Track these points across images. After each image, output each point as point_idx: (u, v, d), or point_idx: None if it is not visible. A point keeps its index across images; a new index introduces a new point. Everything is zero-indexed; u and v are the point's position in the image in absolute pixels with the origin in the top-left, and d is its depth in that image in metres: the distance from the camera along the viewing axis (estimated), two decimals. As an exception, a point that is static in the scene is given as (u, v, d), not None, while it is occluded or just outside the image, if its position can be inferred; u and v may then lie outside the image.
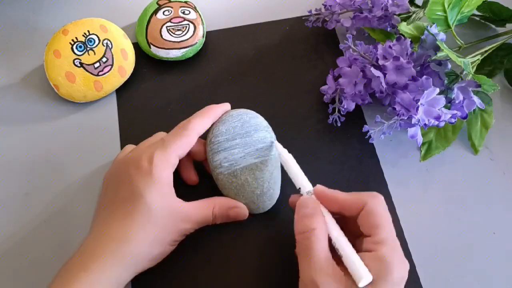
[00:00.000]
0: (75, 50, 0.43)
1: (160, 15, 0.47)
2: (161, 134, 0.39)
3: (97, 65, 0.44)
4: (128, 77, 0.45)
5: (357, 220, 0.32)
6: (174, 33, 0.46)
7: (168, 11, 0.47)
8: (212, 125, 0.39)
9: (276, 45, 0.49)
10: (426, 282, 0.38)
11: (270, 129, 0.40)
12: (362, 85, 0.42)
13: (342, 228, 0.33)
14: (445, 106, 0.39)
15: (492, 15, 0.49)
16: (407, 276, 0.31)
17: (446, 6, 0.41)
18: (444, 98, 0.39)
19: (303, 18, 0.50)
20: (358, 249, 0.31)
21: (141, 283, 0.37)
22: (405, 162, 0.44)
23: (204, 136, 0.39)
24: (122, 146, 0.43)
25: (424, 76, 0.40)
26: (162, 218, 0.34)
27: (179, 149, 0.36)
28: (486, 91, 0.42)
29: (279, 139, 0.41)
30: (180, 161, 0.37)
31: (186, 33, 0.46)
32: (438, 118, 0.38)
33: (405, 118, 0.38)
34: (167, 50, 0.45)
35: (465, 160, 0.44)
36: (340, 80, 0.43)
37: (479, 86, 0.40)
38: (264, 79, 0.47)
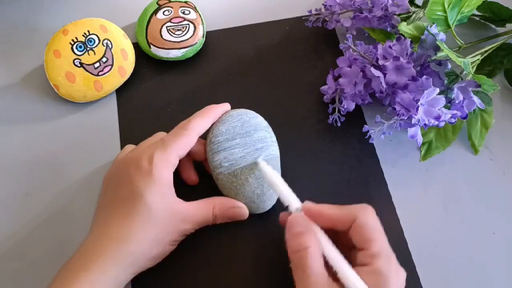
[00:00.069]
0: (75, 50, 0.43)
1: (160, 15, 0.47)
2: (161, 134, 0.39)
3: (97, 65, 0.44)
4: (128, 77, 0.45)
5: (349, 234, 0.32)
6: (174, 33, 0.46)
7: (168, 11, 0.47)
8: (212, 125, 0.39)
9: (276, 45, 0.49)
10: (426, 282, 0.38)
11: (270, 129, 0.40)
12: (362, 85, 0.42)
13: (335, 241, 0.32)
14: (445, 106, 0.39)
15: (492, 15, 0.49)
16: (404, 284, 0.31)
17: (446, 6, 0.41)
18: (444, 98, 0.39)
19: (303, 18, 0.50)
20: (353, 262, 0.31)
21: (141, 283, 0.37)
22: (405, 162, 0.44)
23: (204, 136, 0.39)
24: (122, 146, 0.43)
25: (424, 76, 0.40)
26: (162, 218, 0.34)
27: (179, 149, 0.36)
28: (486, 91, 0.42)
29: (279, 139, 0.41)
30: (180, 161, 0.37)
31: (186, 33, 0.46)
32: (438, 118, 0.38)
33: (405, 118, 0.38)
34: (167, 50, 0.45)
35: (465, 160, 0.44)
36: (340, 80, 0.43)
37: (479, 86, 0.40)
38: (264, 79, 0.47)
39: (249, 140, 0.38)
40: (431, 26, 0.41)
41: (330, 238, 0.32)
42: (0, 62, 0.46)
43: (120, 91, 0.46)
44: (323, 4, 0.49)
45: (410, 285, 0.38)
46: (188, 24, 0.47)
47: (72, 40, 0.43)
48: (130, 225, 0.33)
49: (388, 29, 0.46)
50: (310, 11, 0.49)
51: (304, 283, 0.30)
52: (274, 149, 0.39)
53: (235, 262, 0.39)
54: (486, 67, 0.47)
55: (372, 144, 0.44)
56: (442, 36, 0.41)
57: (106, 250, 0.32)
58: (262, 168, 0.37)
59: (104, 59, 0.44)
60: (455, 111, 0.40)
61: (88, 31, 0.44)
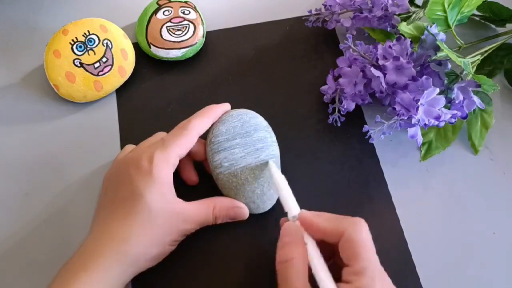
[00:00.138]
0: (75, 50, 0.43)
1: (160, 15, 0.47)
2: (161, 134, 0.39)
3: (97, 65, 0.44)
4: (128, 77, 0.45)
5: (339, 248, 0.31)
6: (174, 33, 0.46)
7: (168, 11, 0.47)
8: (212, 125, 0.39)
9: (276, 45, 0.49)
10: (426, 282, 0.38)
11: (270, 129, 0.40)
12: (362, 85, 0.42)
13: (333, 256, 0.32)
14: (445, 106, 0.39)
15: (492, 15, 0.49)
16: None
17: (446, 6, 0.41)
18: (444, 98, 0.39)
19: (303, 18, 0.50)
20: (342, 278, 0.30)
21: (141, 283, 0.37)
22: (405, 162, 0.44)
23: (204, 136, 0.39)
24: (122, 146, 0.43)
25: (424, 76, 0.40)
26: (162, 218, 0.34)
27: (179, 149, 0.36)
28: (486, 91, 0.42)
29: (279, 139, 0.41)
30: (180, 161, 0.37)
31: (186, 33, 0.46)
32: (438, 118, 0.38)
33: (405, 118, 0.38)
34: (167, 50, 0.45)
35: (465, 160, 0.44)
36: (340, 80, 0.43)
37: (479, 86, 0.40)
38: (264, 79, 0.47)
39: (249, 140, 0.38)
40: (431, 26, 0.41)
41: (331, 249, 0.31)
42: (0, 62, 0.46)
43: (120, 91, 0.46)
44: (323, 4, 0.49)
45: (410, 285, 0.38)
46: (188, 24, 0.47)
47: (72, 40, 0.43)
48: (130, 225, 0.33)
49: (388, 29, 0.46)
50: (310, 11, 0.49)
51: None
52: (274, 149, 0.39)
53: (235, 262, 0.39)
54: (486, 67, 0.47)
55: (372, 144, 0.44)
56: (442, 36, 0.41)
57: (106, 250, 0.32)
58: (271, 170, 0.37)
59: (104, 59, 0.44)
60: (455, 111, 0.40)
61: (88, 31, 0.44)
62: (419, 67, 0.42)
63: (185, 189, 0.39)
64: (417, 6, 0.47)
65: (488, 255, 0.40)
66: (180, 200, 0.35)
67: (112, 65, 0.44)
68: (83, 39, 0.44)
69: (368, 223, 0.40)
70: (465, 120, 0.42)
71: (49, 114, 0.44)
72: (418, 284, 0.38)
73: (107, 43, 0.44)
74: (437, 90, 0.38)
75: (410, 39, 0.41)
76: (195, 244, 0.38)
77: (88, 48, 0.44)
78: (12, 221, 0.39)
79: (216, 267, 0.38)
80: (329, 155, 0.43)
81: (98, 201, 0.38)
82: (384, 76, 0.41)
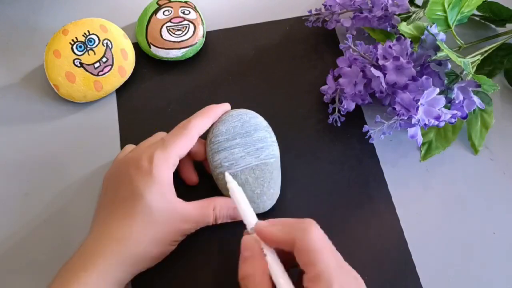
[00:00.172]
0: (75, 50, 0.43)
1: (160, 15, 0.47)
2: (161, 134, 0.39)
3: (97, 65, 0.44)
4: (128, 77, 0.45)
5: (295, 256, 0.30)
6: (174, 33, 0.46)
7: (168, 11, 0.47)
8: (212, 125, 0.39)
9: (276, 45, 0.49)
10: (426, 282, 0.38)
11: (270, 129, 0.40)
12: (362, 85, 0.42)
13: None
14: (445, 106, 0.39)
15: (492, 15, 0.49)
16: None
17: (446, 6, 0.41)
18: (444, 98, 0.39)
19: (303, 18, 0.50)
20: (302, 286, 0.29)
21: (141, 283, 0.37)
22: (405, 162, 0.44)
23: (204, 136, 0.39)
24: (122, 146, 0.43)
25: (424, 76, 0.40)
26: (162, 218, 0.34)
27: (179, 149, 0.36)
28: (486, 91, 0.42)
29: (279, 139, 0.41)
30: (180, 161, 0.37)
31: (186, 33, 0.46)
32: (438, 118, 0.38)
33: (405, 118, 0.38)
34: (167, 50, 0.45)
35: (465, 160, 0.44)
36: (340, 80, 0.43)
37: (479, 86, 0.40)
38: (264, 79, 0.47)
39: (249, 140, 0.38)
40: (431, 26, 0.41)
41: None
42: (0, 62, 0.46)
43: (120, 91, 0.46)
44: (323, 4, 0.49)
45: (410, 285, 0.38)
46: (188, 24, 0.47)
47: (72, 40, 0.43)
48: (130, 225, 0.33)
49: (388, 29, 0.46)
50: (310, 11, 0.49)
51: None
52: (274, 149, 0.39)
53: (235, 262, 0.38)
54: (486, 67, 0.47)
55: (372, 144, 0.44)
56: (442, 36, 0.41)
57: (106, 250, 0.32)
58: (227, 181, 0.35)
59: (104, 59, 0.44)
60: (455, 111, 0.40)
61: (88, 31, 0.44)
62: (419, 67, 0.42)
63: (185, 189, 0.39)
64: (417, 6, 0.47)
65: (488, 255, 0.40)
66: (180, 200, 0.35)
67: (112, 65, 0.44)
68: (83, 39, 0.44)
69: (368, 223, 0.41)
70: (465, 120, 0.42)
71: (49, 114, 0.44)
72: (418, 284, 0.38)
73: (107, 43, 0.44)
74: (437, 90, 0.38)
75: (410, 39, 0.41)
76: (195, 244, 0.38)
77: (88, 48, 0.44)
78: (12, 221, 0.39)
79: (216, 267, 0.38)
80: (329, 155, 0.43)
81: (98, 201, 0.38)
82: (384, 76, 0.41)
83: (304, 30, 0.50)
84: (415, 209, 0.41)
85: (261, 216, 0.39)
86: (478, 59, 0.43)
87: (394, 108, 0.39)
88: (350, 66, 0.43)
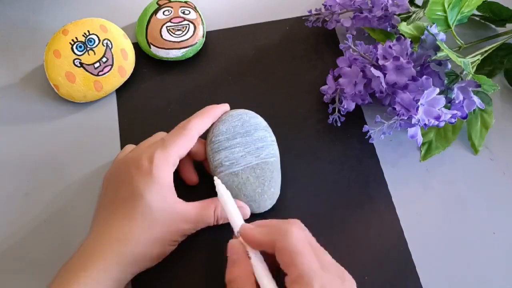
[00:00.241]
0: (75, 50, 0.43)
1: (160, 15, 0.47)
2: (161, 134, 0.39)
3: (97, 65, 0.44)
4: (128, 77, 0.45)
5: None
6: (174, 33, 0.46)
7: (168, 11, 0.47)
8: (212, 125, 0.39)
9: (276, 45, 0.49)
10: (426, 282, 0.38)
11: (269, 129, 0.40)
12: (362, 85, 0.42)
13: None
14: (445, 106, 0.39)
15: (492, 15, 0.49)
16: None
17: (446, 6, 0.41)
18: (444, 98, 0.39)
19: (303, 18, 0.50)
20: None
21: (141, 283, 0.37)
22: (405, 162, 0.44)
23: (204, 136, 0.39)
24: (122, 146, 0.43)
25: (424, 76, 0.40)
26: (162, 218, 0.34)
27: (179, 149, 0.36)
28: (486, 91, 0.42)
29: (279, 139, 0.41)
30: (180, 161, 0.37)
31: (186, 33, 0.46)
32: (438, 118, 0.38)
33: (405, 118, 0.38)
34: (167, 50, 0.45)
35: (465, 160, 0.44)
36: (340, 80, 0.43)
37: (479, 86, 0.40)
38: (264, 79, 0.47)
39: (249, 139, 0.38)
40: (431, 26, 0.41)
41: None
42: (0, 62, 0.46)
43: (120, 91, 0.46)
44: (323, 4, 0.49)
45: (410, 285, 0.38)
46: (188, 24, 0.47)
47: (72, 40, 0.43)
48: (130, 225, 0.33)
49: (388, 29, 0.46)
50: (310, 11, 0.49)
51: None
52: (274, 149, 0.39)
53: (235, 262, 0.39)
54: (486, 67, 0.47)
55: (372, 144, 0.44)
56: (442, 36, 0.41)
57: (106, 250, 0.32)
58: (217, 185, 0.35)
59: (104, 59, 0.44)
60: (455, 111, 0.40)
61: (88, 31, 0.44)
62: (419, 67, 0.42)
63: (185, 189, 0.39)
64: (417, 6, 0.47)
65: (488, 255, 0.40)
66: (181, 200, 0.35)
67: (112, 65, 0.44)
68: (83, 39, 0.44)
69: (368, 223, 0.41)
70: (465, 120, 0.42)
71: (49, 114, 0.44)
72: (418, 284, 0.38)
73: (107, 43, 0.44)
74: (437, 90, 0.38)
75: (410, 39, 0.41)
76: (195, 244, 0.38)
77: (88, 48, 0.44)
78: (12, 221, 0.39)
79: (216, 267, 0.38)
80: (329, 155, 0.43)
81: (98, 201, 0.38)
82: (384, 76, 0.41)
83: (304, 30, 0.50)
84: (415, 209, 0.41)
85: (261, 216, 0.39)
86: (478, 59, 0.43)
87: (394, 108, 0.39)
88: (350, 66, 0.43)
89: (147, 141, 0.39)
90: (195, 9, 0.48)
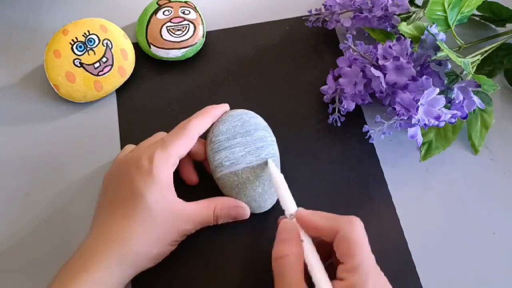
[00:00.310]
0: (75, 50, 0.43)
1: (160, 15, 0.47)
2: (161, 134, 0.39)
3: (97, 65, 0.44)
4: (128, 77, 0.45)
5: (334, 246, 0.31)
6: (174, 33, 0.46)
7: (168, 11, 0.47)
8: (212, 125, 0.39)
9: (276, 45, 0.49)
10: (426, 282, 0.38)
11: (269, 129, 0.40)
12: (362, 85, 0.42)
13: (331, 255, 0.32)
14: (445, 106, 0.39)
15: (492, 15, 0.49)
16: None
17: (446, 6, 0.41)
18: (444, 98, 0.39)
19: (303, 18, 0.50)
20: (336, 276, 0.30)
21: (141, 283, 0.37)
22: (405, 162, 0.44)
23: (204, 136, 0.39)
24: (122, 146, 0.43)
25: (424, 76, 0.40)
26: (162, 218, 0.34)
27: (179, 149, 0.36)
28: (486, 91, 0.42)
29: (279, 139, 0.41)
30: (180, 161, 0.36)
31: (186, 33, 0.46)
32: (438, 118, 0.38)
33: (405, 118, 0.38)
34: (167, 50, 0.45)
35: (465, 160, 0.44)
36: (340, 80, 0.43)
37: (479, 86, 0.40)
38: (264, 79, 0.47)
39: (249, 139, 0.38)
40: (431, 26, 0.41)
41: (329, 249, 0.32)
42: (0, 62, 0.46)
43: (120, 91, 0.46)
44: (323, 4, 0.49)
45: (410, 285, 0.38)
46: (188, 24, 0.47)
47: (72, 40, 0.43)
48: (130, 225, 0.33)
49: (388, 29, 0.46)
50: (310, 11, 0.49)
51: None
52: (274, 149, 0.39)
53: (235, 262, 0.39)
54: (486, 67, 0.47)
55: (372, 144, 0.44)
56: (442, 36, 0.41)
57: (106, 250, 0.32)
58: (270, 168, 0.37)
59: (104, 59, 0.44)
60: (455, 111, 0.40)
61: (88, 31, 0.44)
62: (419, 67, 0.42)
63: (185, 189, 0.39)
64: (417, 6, 0.47)
65: (488, 255, 0.40)
66: (181, 200, 0.35)
67: (112, 65, 0.44)
68: (83, 39, 0.44)
69: (368, 223, 0.40)
70: (465, 120, 0.42)
71: (49, 114, 0.44)
72: (418, 284, 0.38)
73: (107, 43, 0.44)
74: (437, 90, 0.38)
75: (410, 39, 0.41)
76: (195, 244, 0.38)
77: (88, 48, 0.44)
78: (12, 221, 0.39)
79: (216, 267, 0.38)
80: (329, 155, 0.44)
81: (98, 201, 0.38)
82: (384, 76, 0.41)
83: (304, 30, 0.50)
84: (415, 209, 0.41)
85: (261, 216, 0.39)
86: (478, 59, 0.43)
87: (394, 108, 0.39)
88: (350, 66, 0.43)
89: (147, 141, 0.39)
90: (195, 9, 0.48)
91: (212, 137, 0.39)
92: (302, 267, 0.30)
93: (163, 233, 0.34)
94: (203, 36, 0.47)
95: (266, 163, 0.38)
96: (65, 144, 0.43)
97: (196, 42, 0.46)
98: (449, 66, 0.42)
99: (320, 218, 0.32)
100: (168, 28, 0.46)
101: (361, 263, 0.29)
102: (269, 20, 0.50)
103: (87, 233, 0.36)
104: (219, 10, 0.51)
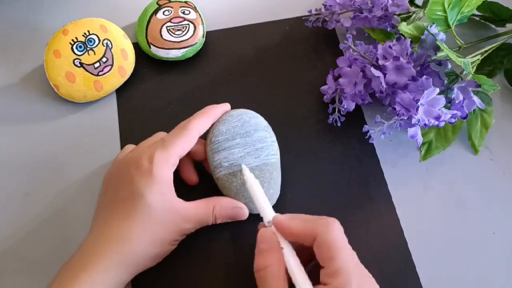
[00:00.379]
0: (75, 50, 0.43)
1: (160, 15, 0.47)
2: (161, 134, 0.39)
3: (97, 65, 0.44)
4: (128, 77, 0.45)
5: (314, 251, 0.31)
6: (174, 33, 0.46)
7: (168, 11, 0.47)
8: (212, 125, 0.39)
9: (276, 45, 0.49)
10: (426, 282, 0.38)
11: (270, 129, 0.40)
12: (362, 85, 0.42)
13: (313, 258, 0.32)
14: (445, 106, 0.39)
15: (492, 15, 0.49)
16: None
17: (446, 6, 0.41)
18: (444, 98, 0.39)
19: (303, 18, 0.50)
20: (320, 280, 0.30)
21: (141, 283, 0.37)
22: (405, 162, 0.44)
23: (204, 136, 0.39)
24: (122, 146, 0.43)
25: (424, 76, 0.40)
26: (162, 218, 0.34)
27: (179, 149, 0.36)
28: (486, 91, 0.42)
29: (279, 139, 0.41)
30: (180, 161, 0.37)
31: (186, 33, 0.46)
32: (438, 118, 0.38)
33: (405, 118, 0.38)
34: (167, 50, 0.45)
35: (465, 160, 0.44)
36: (340, 80, 0.43)
37: (479, 86, 0.40)
38: (264, 79, 0.47)
39: (249, 140, 0.38)
40: (431, 26, 0.41)
41: (311, 252, 0.31)
42: (0, 62, 0.46)
43: (120, 91, 0.46)
44: (323, 4, 0.49)
45: (410, 285, 0.38)
46: (188, 24, 0.47)
47: (72, 40, 0.43)
48: (130, 225, 0.33)
49: (388, 29, 0.46)
50: (310, 11, 0.49)
51: None
52: (274, 149, 0.39)
53: (235, 262, 0.39)
54: (486, 67, 0.47)
55: (372, 144, 0.44)
56: (442, 36, 0.41)
57: (106, 250, 0.32)
58: (245, 175, 0.36)
59: (104, 59, 0.44)
60: (455, 111, 0.40)
61: (88, 31, 0.44)
62: (419, 67, 0.42)
63: (185, 189, 0.39)
64: (417, 6, 0.47)
65: (488, 255, 0.40)
66: (180, 200, 0.35)
67: (112, 65, 0.44)
68: (83, 39, 0.44)
69: (368, 223, 0.41)
70: (465, 120, 0.42)
71: (49, 114, 0.44)
72: (418, 284, 0.38)
73: (107, 43, 0.44)
74: (437, 90, 0.38)
75: (410, 39, 0.41)
76: (195, 244, 0.38)
77: (88, 48, 0.44)
78: (12, 221, 0.39)
79: (216, 267, 0.38)
80: (329, 155, 0.43)
81: (98, 201, 0.38)
82: (384, 76, 0.41)
83: (304, 30, 0.50)
84: (415, 209, 0.41)
85: (260, 217, 0.39)
86: (478, 59, 0.43)
87: (394, 108, 0.39)
88: (350, 66, 0.43)
89: (147, 141, 0.39)
90: (195, 9, 0.48)
91: (211, 137, 0.39)
92: (285, 276, 0.30)
93: (163, 233, 0.34)
94: (203, 36, 0.47)
95: (266, 164, 0.38)
96: (65, 144, 0.43)
97: (196, 42, 0.46)
98: (449, 66, 0.42)
99: (297, 224, 0.32)
100: (168, 28, 0.46)
101: (341, 265, 0.29)
102: (269, 20, 0.50)
103: (87, 233, 0.36)
104: (219, 10, 0.51)
